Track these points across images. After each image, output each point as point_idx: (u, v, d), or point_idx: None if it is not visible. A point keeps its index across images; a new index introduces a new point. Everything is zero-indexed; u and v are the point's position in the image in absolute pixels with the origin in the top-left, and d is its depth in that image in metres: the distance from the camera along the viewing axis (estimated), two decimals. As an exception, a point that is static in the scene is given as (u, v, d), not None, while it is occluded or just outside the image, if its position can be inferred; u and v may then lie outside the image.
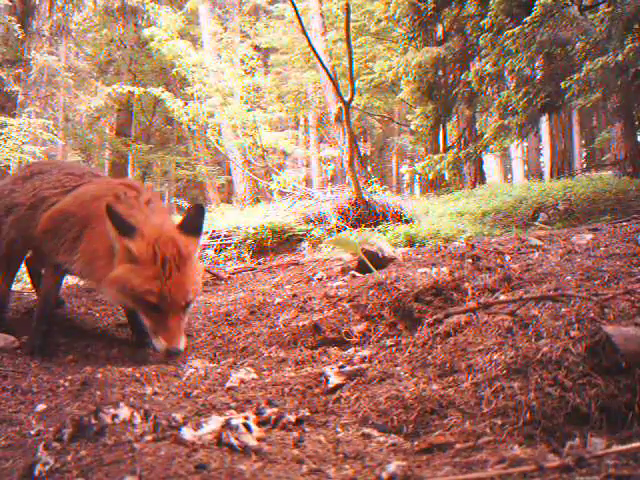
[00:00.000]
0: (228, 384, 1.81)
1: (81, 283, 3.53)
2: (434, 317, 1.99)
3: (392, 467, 1.04)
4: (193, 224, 2.18)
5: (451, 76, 12.90)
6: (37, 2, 13.92)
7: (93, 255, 2.22)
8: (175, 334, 2.02)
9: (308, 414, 1.44)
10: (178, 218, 2.37)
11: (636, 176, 10.75)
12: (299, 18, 7.75)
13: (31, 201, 2.56)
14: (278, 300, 2.94)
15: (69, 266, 2.33)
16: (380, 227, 6.68)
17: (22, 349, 2.44)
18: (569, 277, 2.10)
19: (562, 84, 7.59)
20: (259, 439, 1.22)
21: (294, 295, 2.98)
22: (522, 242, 3.34)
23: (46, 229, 2.39)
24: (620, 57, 6.68)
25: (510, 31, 7.92)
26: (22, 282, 5.08)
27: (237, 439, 1.18)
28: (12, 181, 2.80)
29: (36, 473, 1.09)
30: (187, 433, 1.21)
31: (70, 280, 4.09)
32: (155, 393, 1.78)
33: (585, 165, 21.62)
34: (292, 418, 1.37)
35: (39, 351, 2.37)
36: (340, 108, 10.21)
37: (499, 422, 1.25)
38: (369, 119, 24.52)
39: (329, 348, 2.11)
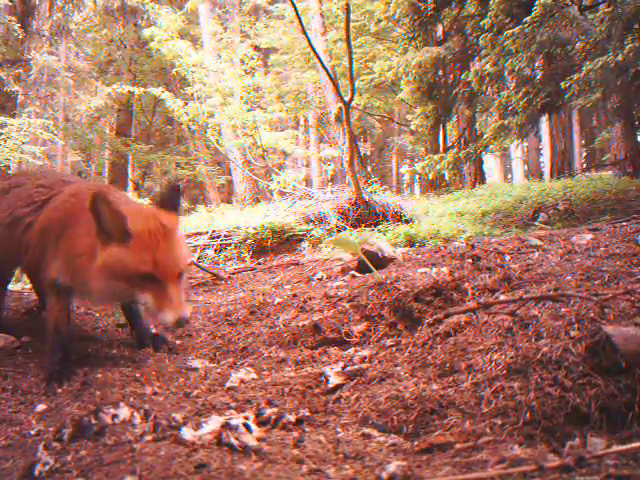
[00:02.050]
0: (228, 384, 1.81)
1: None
2: (434, 317, 1.99)
3: (392, 467, 1.04)
4: (170, 201, 2.17)
5: (451, 76, 12.90)
6: (37, 2, 13.93)
7: (73, 257, 2.14)
8: (179, 303, 2.01)
9: (308, 414, 1.44)
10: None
11: (636, 176, 10.75)
12: (299, 18, 7.75)
13: (7, 221, 2.47)
14: (278, 300, 2.94)
15: (62, 279, 2.20)
16: (380, 227, 6.68)
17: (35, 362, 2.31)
18: (569, 277, 2.10)
19: (562, 84, 7.58)
20: (259, 439, 1.22)
21: (294, 295, 2.98)
22: (522, 242, 3.34)
23: (37, 248, 2.32)
24: (620, 57, 6.67)
25: (510, 31, 7.91)
26: (22, 282, 5.08)
27: (237, 439, 1.18)
28: None
29: (36, 473, 1.10)
30: (187, 433, 1.21)
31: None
32: (155, 393, 1.78)
33: (585, 165, 21.62)
34: (292, 418, 1.37)
35: (57, 378, 2.15)
36: (340, 108, 10.21)
37: (499, 422, 1.25)
38: (369, 119, 24.51)
39: (329, 348, 2.11)
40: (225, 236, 7.28)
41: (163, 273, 1.99)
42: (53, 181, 2.62)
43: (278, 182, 10.66)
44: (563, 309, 1.67)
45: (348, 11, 7.70)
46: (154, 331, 2.70)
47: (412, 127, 16.62)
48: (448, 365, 1.58)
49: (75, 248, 2.13)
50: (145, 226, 2.01)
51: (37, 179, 2.67)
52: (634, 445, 1.03)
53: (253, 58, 14.00)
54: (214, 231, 7.48)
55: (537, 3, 7.45)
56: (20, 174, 3.48)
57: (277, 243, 6.96)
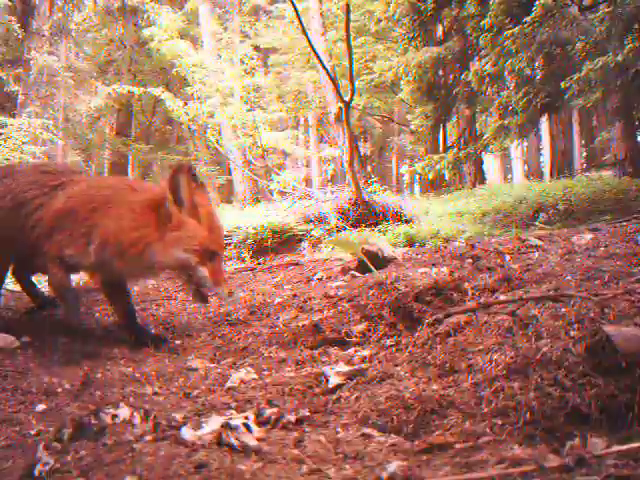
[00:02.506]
0: (228, 384, 1.81)
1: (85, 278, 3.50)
2: (434, 317, 1.99)
3: (392, 467, 1.04)
4: (197, 182, 2.38)
5: (451, 76, 12.91)
6: (37, 2, 13.92)
7: (122, 232, 2.27)
8: (226, 280, 2.38)
9: (308, 414, 1.44)
10: None
11: (636, 176, 10.75)
12: (299, 18, 7.75)
13: (9, 204, 2.54)
14: (278, 300, 2.94)
15: (79, 259, 2.36)
16: (380, 227, 6.67)
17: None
18: (569, 277, 2.10)
19: (562, 84, 7.58)
20: (259, 439, 1.22)
21: (294, 295, 2.98)
22: (522, 242, 3.34)
23: (50, 226, 2.42)
24: (620, 57, 6.68)
25: (510, 31, 7.92)
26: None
27: (237, 439, 1.18)
28: None
29: (36, 473, 1.09)
30: (187, 433, 1.21)
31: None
32: (155, 393, 1.78)
33: (585, 165, 21.61)
34: (292, 418, 1.37)
35: (74, 318, 2.43)
36: (340, 108, 10.20)
37: (499, 422, 1.25)
38: (369, 119, 24.51)
39: (329, 348, 2.11)
40: (225, 236, 7.28)
41: (220, 251, 2.33)
42: (59, 169, 2.78)
43: (278, 182, 10.66)
44: (563, 309, 1.67)
45: (348, 11, 7.70)
46: (154, 331, 2.70)
47: (412, 127, 16.64)
48: (448, 365, 1.58)
49: (125, 225, 2.28)
50: (209, 207, 2.30)
51: (37, 167, 2.80)
52: (634, 445, 1.03)
53: (253, 58, 14.01)
54: (214, 231, 7.46)
55: (537, 3, 7.45)
56: (2, 167, 3.53)
57: (277, 243, 6.96)
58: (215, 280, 2.25)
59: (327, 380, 1.70)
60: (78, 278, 4.71)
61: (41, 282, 3.44)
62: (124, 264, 2.35)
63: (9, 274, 3.03)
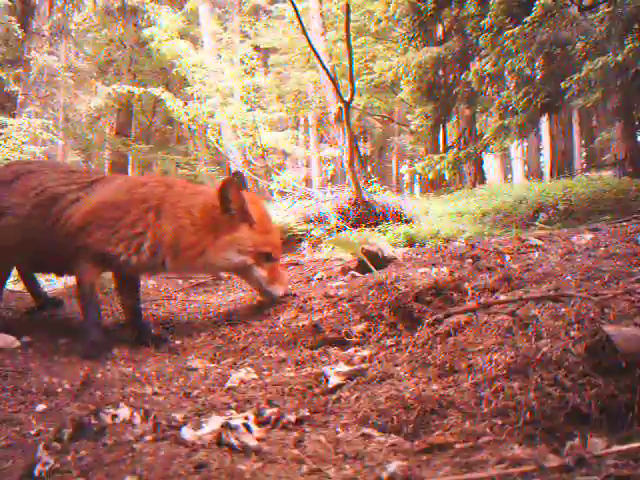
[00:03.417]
0: (228, 384, 1.81)
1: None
2: (434, 317, 1.99)
3: (392, 467, 1.04)
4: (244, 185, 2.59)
5: (451, 76, 12.90)
6: (37, 2, 13.93)
7: (179, 236, 2.35)
8: (284, 279, 2.54)
9: (308, 414, 1.44)
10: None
11: (636, 176, 10.75)
12: (299, 18, 7.75)
13: (35, 200, 2.49)
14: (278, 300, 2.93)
15: (124, 257, 2.34)
16: (380, 227, 6.67)
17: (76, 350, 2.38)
18: (569, 277, 2.10)
19: (562, 84, 7.58)
20: (259, 439, 1.22)
21: (294, 295, 2.98)
22: (522, 242, 3.34)
23: (88, 222, 2.38)
24: (620, 57, 6.68)
25: (510, 31, 7.92)
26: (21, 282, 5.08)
27: (237, 439, 1.18)
28: None
29: (36, 473, 1.09)
30: (187, 433, 1.21)
31: (70, 280, 4.09)
32: (155, 393, 1.78)
33: (585, 165, 21.61)
34: (292, 418, 1.37)
35: (95, 348, 2.33)
36: (340, 108, 10.19)
37: (499, 422, 1.25)
38: (369, 119, 24.51)
39: (329, 348, 2.11)
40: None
41: (277, 253, 2.46)
42: (83, 169, 2.87)
43: (278, 182, 10.65)
44: (563, 309, 1.67)
45: (348, 11, 7.70)
46: (154, 331, 2.70)
47: (412, 127, 16.63)
48: (448, 365, 1.58)
49: (184, 229, 2.36)
50: (263, 211, 2.45)
51: (57, 166, 2.86)
52: (634, 445, 1.03)
53: (253, 58, 14.00)
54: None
55: (537, 3, 7.45)
56: (16, 164, 3.52)
57: (277, 243, 6.94)
58: (271, 279, 2.45)
59: (327, 380, 1.70)
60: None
61: (41, 282, 3.44)
62: (177, 265, 2.43)
63: (12, 272, 3.03)
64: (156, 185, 2.50)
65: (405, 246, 5.46)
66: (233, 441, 1.17)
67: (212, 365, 2.13)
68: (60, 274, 3.06)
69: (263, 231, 2.40)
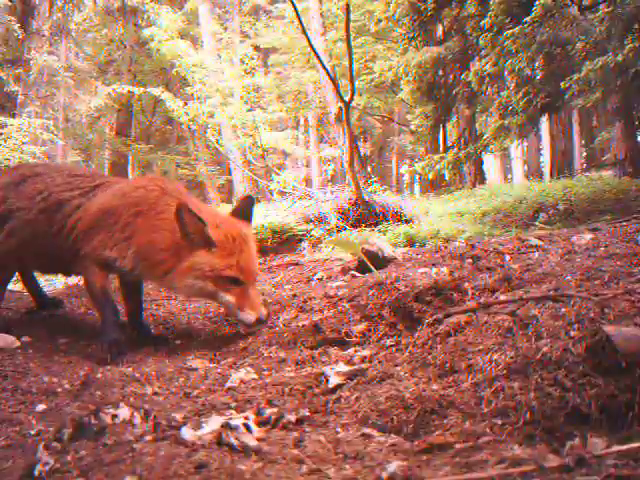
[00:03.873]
0: (228, 384, 1.81)
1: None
2: (434, 317, 1.99)
3: (392, 467, 1.04)
4: (245, 212, 2.50)
5: (451, 76, 12.89)
6: (37, 2, 13.93)
7: (152, 249, 2.29)
8: (258, 304, 2.30)
9: (308, 414, 1.44)
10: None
11: (636, 176, 10.75)
12: (299, 18, 7.75)
13: (41, 205, 2.51)
14: (278, 300, 2.94)
15: (119, 262, 2.34)
16: (380, 227, 6.67)
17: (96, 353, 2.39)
18: (569, 277, 2.10)
19: (562, 84, 7.58)
20: (259, 439, 1.22)
21: (294, 295, 2.97)
22: (522, 242, 3.34)
23: (89, 228, 2.40)
24: (620, 57, 6.68)
25: (510, 31, 7.92)
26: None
27: (237, 439, 1.18)
28: None
29: (36, 473, 1.09)
30: (187, 433, 1.21)
31: (70, 279, 4.09)
32: (155, 393, 1.78)
33: (585, 165, 21.60)
34: (292, 418, 1.37)
35: (115, 348, 2.33)
36: (340, 108, 10.20)
37: (499, 422, 1.25)
38: (369, 119, 24.51)
39: (329, 348, 2.11)
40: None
41: (245, 277, 2.27)
42: (87, 172, 2.91)
43: (278, 182, 10.64)
44: (563, 309, 1.67)
45: (348, 11, 7.70)
46: (154, 331, 2.70)
47: (412, 127, 16.63)
48: (448, 365, 1.58)
49: (156, 243, 2.29)
50: (228, 234, 2.26)
51: (62, 169, 2.82)
52: (634, 445, 1.03)
53: (253, 58, 13.99)
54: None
55: (537, 3, 7.45)
56: (25, 166, 3.52)
57: (277, 243, 6.96)
58: (240, 305, 2.27)
59: (327, 380, 1.70)
60: (79, 278, 4.71)
61: (41, 282, 3.44)
62: (152, 278, 2.40)
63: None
64: (151, 189, 2.46)
65: (405, 246, 5.46)
66: (233, 441, 1.17)
67: (212, 365, 2.13)
68: (67, 274, 3.09)
69: (226, 254, 2.23)
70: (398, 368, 1.69)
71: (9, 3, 13.10)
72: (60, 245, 2.48)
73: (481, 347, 1.61)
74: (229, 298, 2.28)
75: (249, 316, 2.29)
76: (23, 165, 3.85)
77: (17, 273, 3.14)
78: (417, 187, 28.80)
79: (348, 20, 7.72)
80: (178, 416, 1.37)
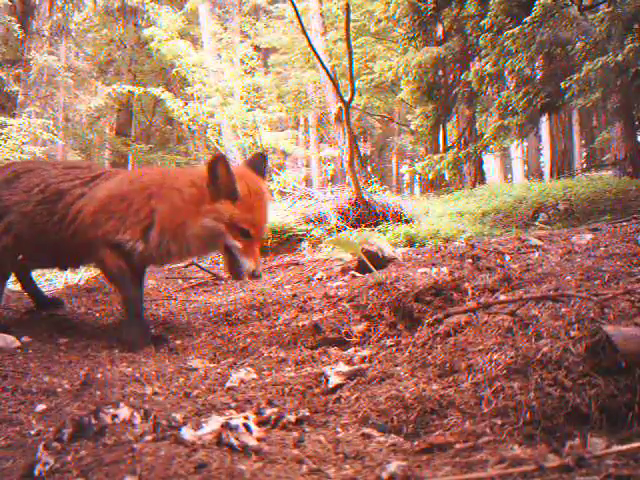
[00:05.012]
0: (228, 384, 1.81)
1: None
2: (434, 317, 1.99)
3: (392, 467, 1.04)
4: (259, 167, 2.60)
5: (451, 76, 12.88)
6: (37, 2, 13.93)
7: (172, 216, 2.43)
8: (258, 260, 2.42)
9: (308, 414, 1.44)
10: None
11: (636, 176, 10.75)
12: (299, 18, 7.75)
13: (39, 197, 2.58)
14: (278, 300, 2.94)
15: (131, 244, 2.44)
16: (380, 227, 6.66)
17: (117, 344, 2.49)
18: (569, 277, 2.10)
19: (562, 84, 7.58)
20: (259, 439, 1.22)
21: (294, 295, 2.98)
22: (522, 242, 3.34)
23: (99, 215, 2.48)
24: (620, 57, 6.67)
25: (510, 31, 7.91)
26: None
27: (237, 439, 1.18)
28: None
29: (36, 473, 1.09)
30: (187, 433, 1.21)
31: (70, 280, 4.09)
32: (155, 393, 1.78)
33: (585, 165, 21.60)
34: (292, 418, 1.37)
35: (139, 338, 2.46)
36: (340, 108, 10.20)
37: (499, 422, 1.25)
38: (369, 119, 24.50)
39: (329, 348, 2.11)
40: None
41: (255, 231, 2.41)
42: (84, 164, 3.01)
43: (278, 182, 10.64)
44: (563, 309, 1.67)
45: (348, 11, 7.70)
46: (154, 331, 2.70)
47: (412, 127, 16.62)
48: (448, 365, 1.58)
49: (174, 208, 2.43)
50: (251, 189, 2.40)
51: (56, 164, 2.94)
52: (634, 445, 1.03)
53: (253, 58, 13.99)
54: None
55: (537, 3, 7.45)
56: (16, 163, 3.56)
57: (277, 243, 6.95)
58: (245, 254, 2.38)
59: (327, 380, 1.70)
60: (79, 277, 4.71)
61: (41, 282, 3.44)
62: (179, 246, 2.48)
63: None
64: (154, 174, 2.67)
65: (405, 246, 5.46)
66: (233, 441, 1.17)
67: (212, 365, 2.13)
68: (64, 268, 3.18)
69: (246, 209, 2.38)
70: (398, 368, 1.69)
71: (9, 3, 13.10)
72: (62, 235, 2.55)
73: (481, 347, 1.61)
74: (236, 243, 2.39)
75: (250, 264, 2.39)
76: (14, 163, 3.90)
77: (13, 274, 3.14)
78: (417, 187, 28.81)
79: (348, 20, 7.72)
80: (178, 416, 1.37)
